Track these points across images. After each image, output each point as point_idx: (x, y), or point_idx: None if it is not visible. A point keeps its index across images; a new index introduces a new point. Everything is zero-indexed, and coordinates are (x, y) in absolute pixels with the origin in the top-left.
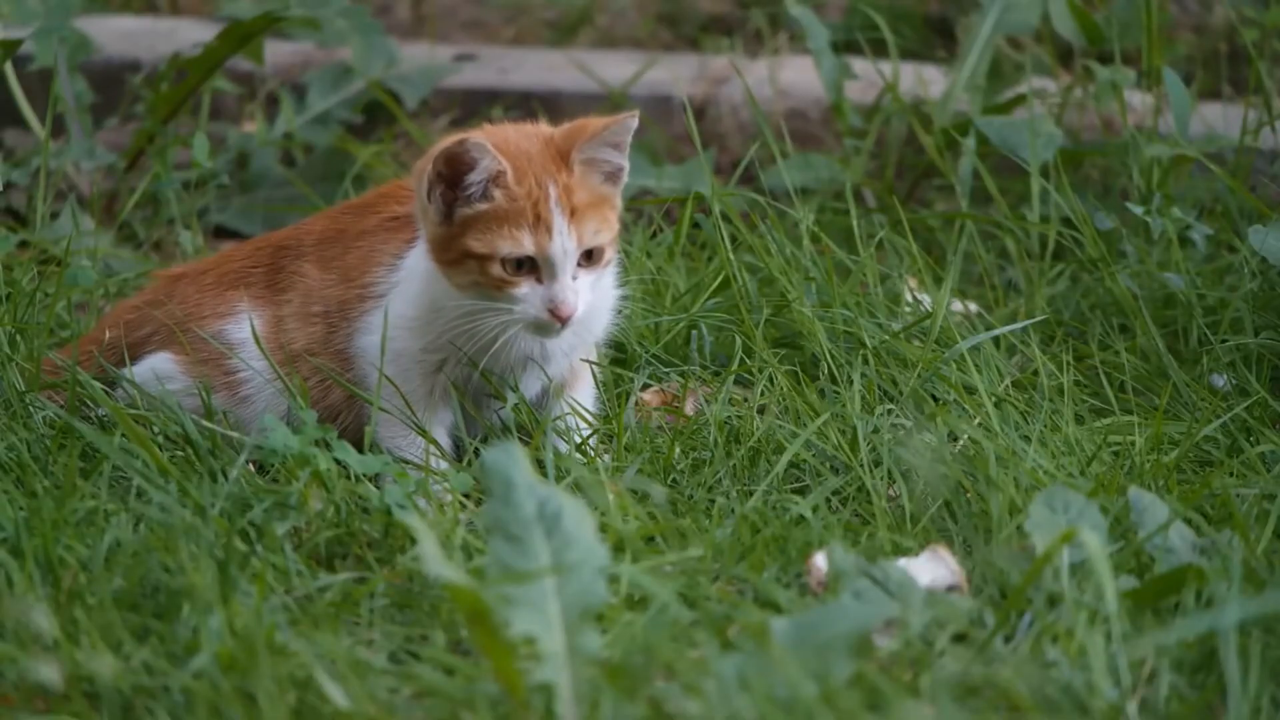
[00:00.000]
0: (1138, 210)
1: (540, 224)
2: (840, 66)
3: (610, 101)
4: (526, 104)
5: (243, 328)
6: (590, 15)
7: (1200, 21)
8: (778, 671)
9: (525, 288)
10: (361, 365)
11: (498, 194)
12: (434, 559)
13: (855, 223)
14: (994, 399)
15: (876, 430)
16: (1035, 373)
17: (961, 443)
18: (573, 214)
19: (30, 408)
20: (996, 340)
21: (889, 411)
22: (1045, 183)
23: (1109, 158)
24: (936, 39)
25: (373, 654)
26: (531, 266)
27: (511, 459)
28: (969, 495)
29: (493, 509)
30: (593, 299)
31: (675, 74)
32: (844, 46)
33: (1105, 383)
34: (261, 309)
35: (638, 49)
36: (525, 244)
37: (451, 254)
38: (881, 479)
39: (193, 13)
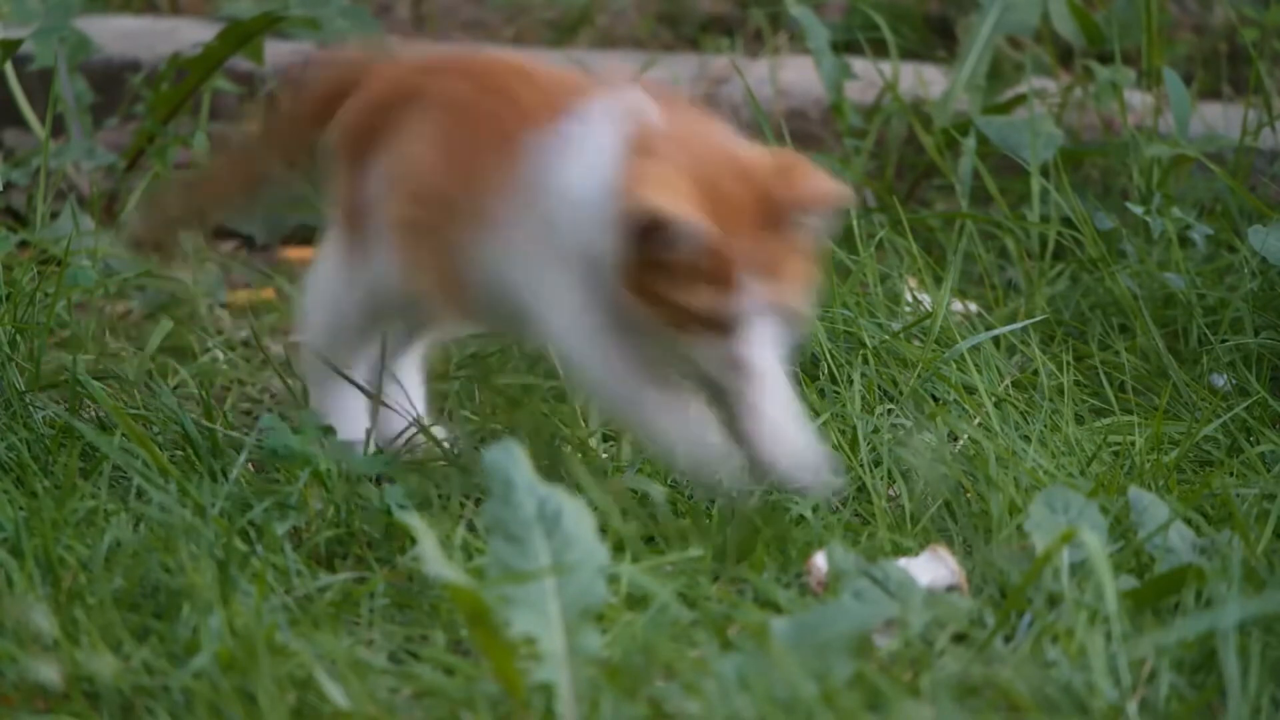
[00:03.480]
0: (1138, 210)
1: (736, 283)
2: (840, 66)
3: None
4: None
5: None
6: (590, 15)
7: (1200, 21)
8: (778, 671)
9: (710, 341)
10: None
11: (692, 254)
12: (434, 559)
13: (855, 222)
14: (994, 399)
15: (876, 430)
16: (1035, 373)
17: (961, 443)
18: (772, 274)
19: (30, 407)
20: (996, 340)
21: (889, 411)
22: (1045, 183)
23: (1109, 158)
24: (936, 39)
25: (373, 654)
26: (720, 320)
27: (511, 459)
28: (969, 495)
29: (493, 509)
30: (780, 350)
31: (675, 74)
32: (844, 46)
33: (1105, 383)
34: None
35: (638, 49)
36: (719, 303)
37: (641, 290)
38: (881, 479)
39: (193, 13)
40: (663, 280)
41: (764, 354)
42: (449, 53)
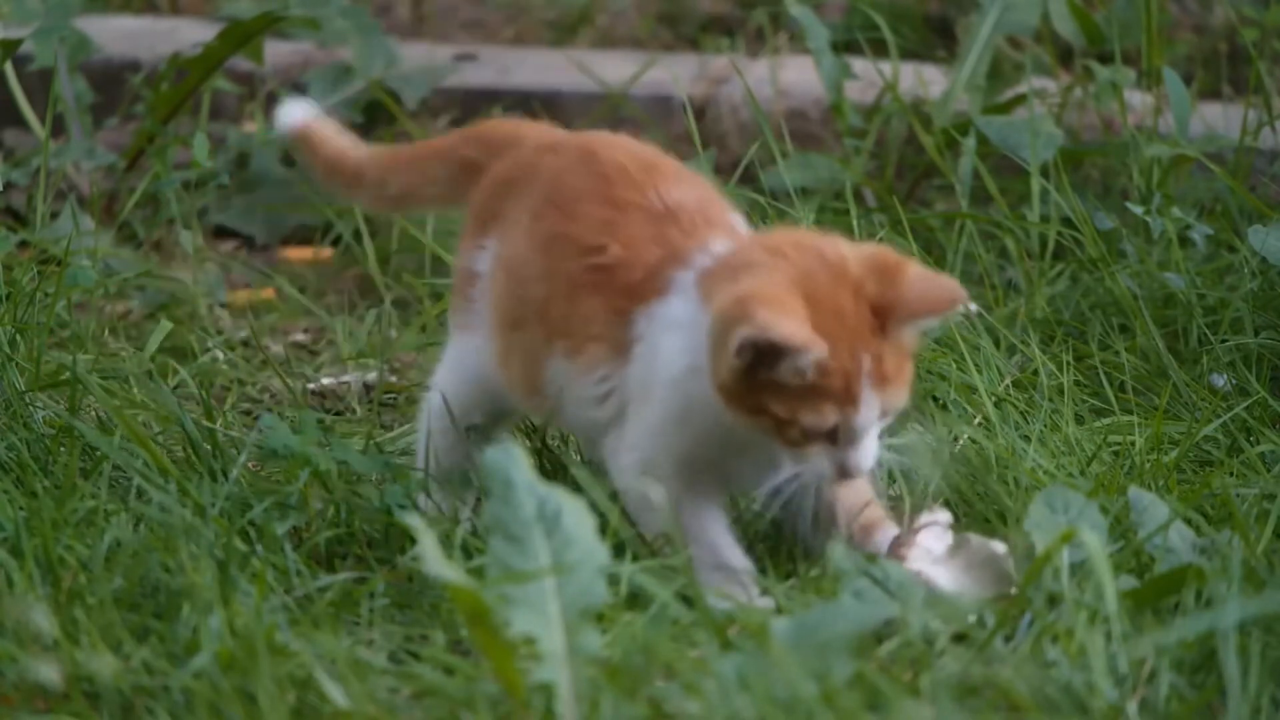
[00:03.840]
0: (1138, 210)
1: (849, 398)
2: (840, 66)
3: (610, 102)
4: (527, 104)
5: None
6: (590, 15)
7: (1200, 21)
8: (778, 671)
9: (818, 449)
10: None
11: (807, 374)
12: (434, 559)
13: (855, 222)
14: (994, 399)
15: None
16: (1035, 373)
17: (961, 442)
18: (882, 382)
19: (30, 407)
20: (996, 340)
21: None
22: (1045, 183)
23: (1109, 158)
24: (936, 39)
25: (373, 654)
26: (831, 432)
27: (511, 459)
28: (969, 495)
29: (493, 509)
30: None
31: (675, 74)
32: (844, 46)
33: (1105, 383)
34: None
35: (638, 49)
36: (830, 419)
37: (744, 404)
38: (881, 479)
39: (193, 13)
40: (776, 399)
41: (870, 459)
42: (571, 136)
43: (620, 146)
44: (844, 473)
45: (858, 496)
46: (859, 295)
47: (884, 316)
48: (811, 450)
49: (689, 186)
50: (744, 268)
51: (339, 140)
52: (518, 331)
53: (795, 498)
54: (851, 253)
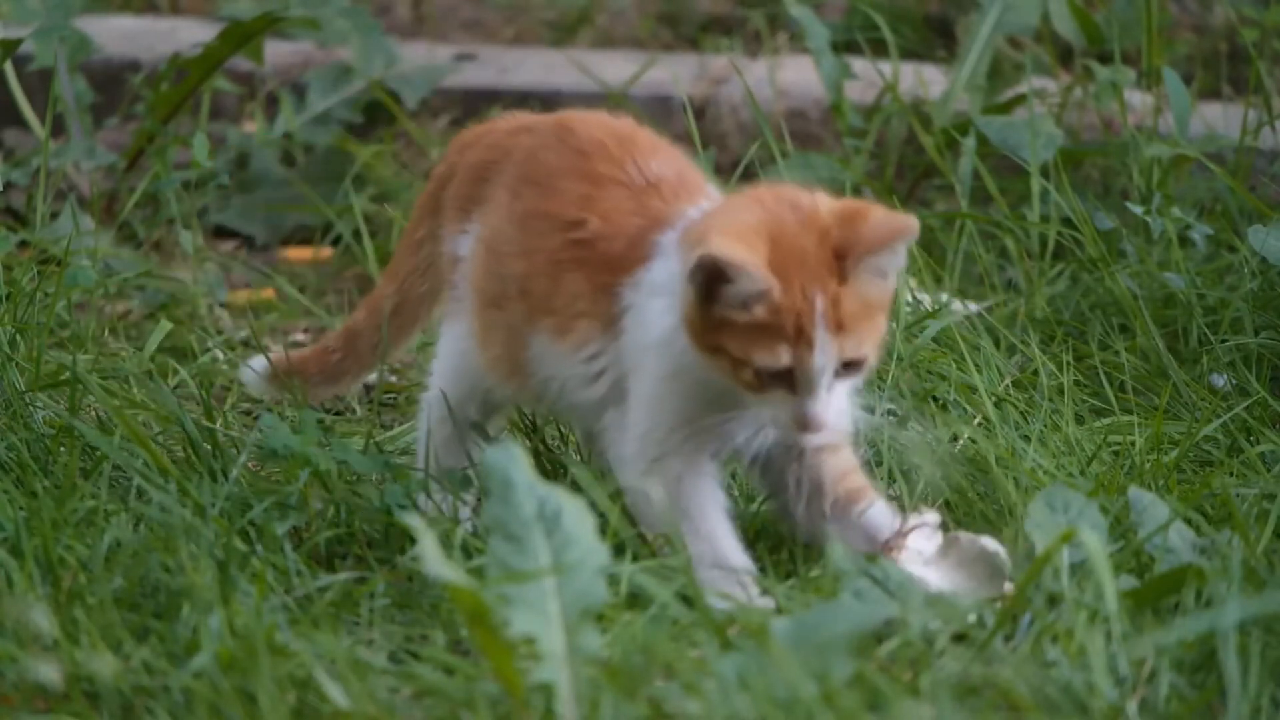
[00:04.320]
0: (1138, 210)
1: (801, 339)
2: (840, 66)
3: (610, 101)
4: (526, 104)
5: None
6: (590, 15)
7: (1200, 21)
8: (778, 671)
9: (776, 396)
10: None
11: (758, 309)
12: (434, 559)
13: None
14: (994, 399)
15: (878, 430)
16: (1035, 373)
17: (961, 442)
18: (838, 327)
19: (30, 407)
20: (996, 340)
21: (889, 412)
22: (1045, 183)
23: (1109, 158)
24: (936, 39)
25: (373, 654)
26: (786, 376)
27: (511, 458)
28: (969, 495)
29: (493, 509)
30: (844, 403)
31: (675, 74)
32: (844, 46)
33: (1105, 383)
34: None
35: (638, 49)
36: (783, 358)
37: (705, 342)
38: (881, 479)
39: (193, 13)
40: (732, 336)
41: (831, 413)
42: (545, 116)
43: (596, 122)
44: (803, 424)
45: (841, 466)
46: (824, 240)
47: (844, 257)
48: (771, 397)
49: (666, 158)
50: (719, 212)
51: (307, 351)
52: (498, 310)
53: (780, 465)
54: (825, 203)
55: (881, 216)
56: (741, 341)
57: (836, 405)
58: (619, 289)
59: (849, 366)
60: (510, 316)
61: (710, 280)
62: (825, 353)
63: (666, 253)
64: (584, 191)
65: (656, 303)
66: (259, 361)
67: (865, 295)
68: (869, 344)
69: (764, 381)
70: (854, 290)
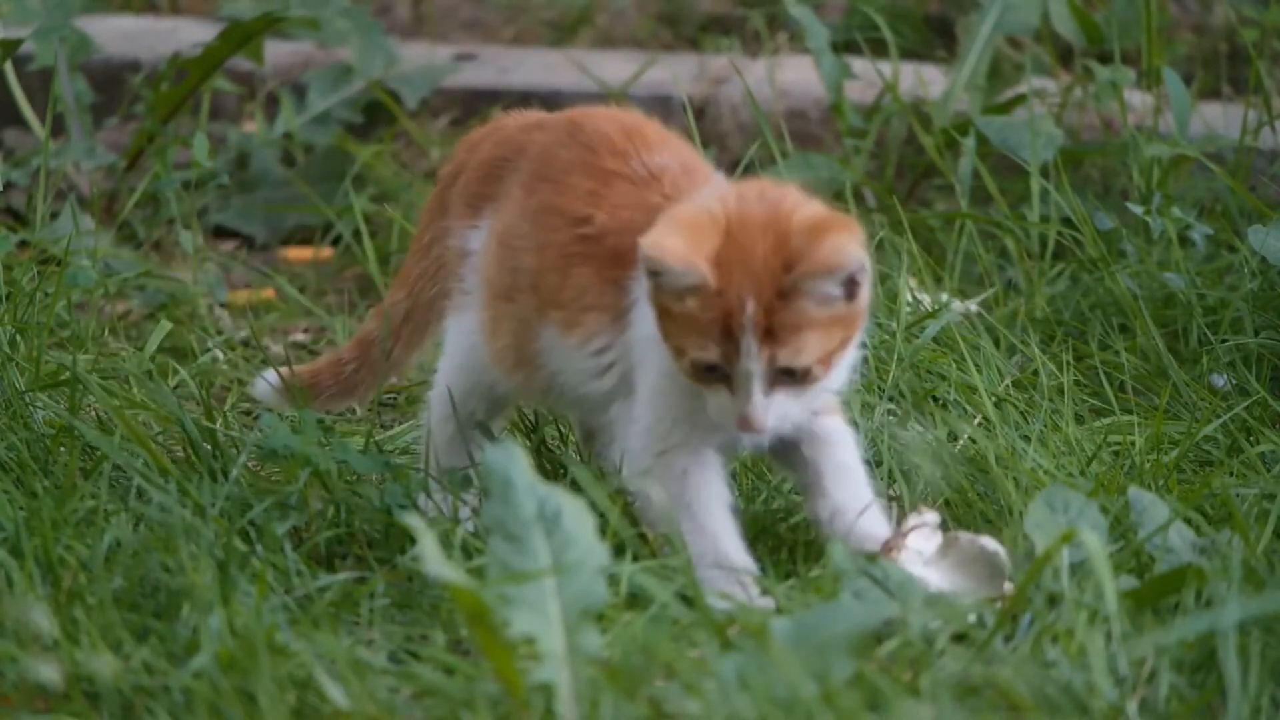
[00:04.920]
0: (1138, 210)
1: (729, 339)
2: (840, 66)
3: (610, 102)
4: (526, 104)
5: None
6: (590, 15)
7: (1200, 21)
8: (778, 671)
9: (717, 392)
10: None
11: (690, 301)
12: (434, 559)
13: None
14: (994, 399)
15: (878, 430)
16: (1035, 373)
17: (961, 442)
18: (768, 335)
19: (30, 407)
20: (996, 340)
21: (889, 412)
22: (1045, 183)
23: (1109, 158)
24: (936, 39)
25: (373, 654)
26: (724, 373)
27: (511, 458)
28: (969, 495)
29: (493, 509)
30: (797, 409)
31: (675, 74)
32: (844, 46)
33: (1105, 383)
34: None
35: (638, 49)
36: (710, 353)
37: (659, 329)
38: (882, 479)
39: (193, 13)
40: (671, 324)
41: (771, 414)
42: (556, 113)
43: (604, 117)
44: (740, 422)
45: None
46: (780, 246)
47: (789, 270)
48: (712, 391)
49: (672, 151)
50: (687, 204)
51: (320, 363)
52: (509, 302)
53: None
54: (805, 210)
55: (834, 244)
56: (678, 330)
57: (779, 410)
58: (626, 282)
59: (788, 374)
60: (521, 309)
61: (651, 269)
62: (751, 357)
63: None
64: (591, 187)
65: None
66: (272, 374)
67: (807, 310)
68: (809, 356)
69: (702, 375)
70: (793, 303)
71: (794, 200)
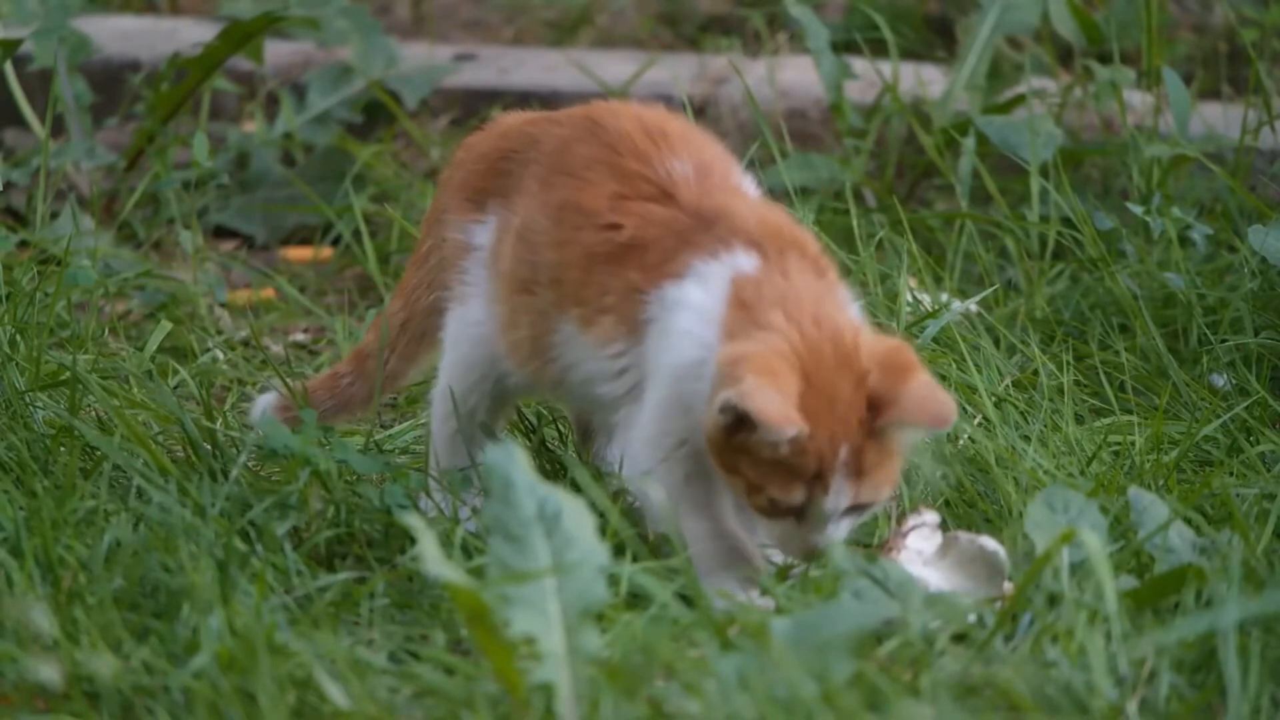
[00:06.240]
0: (1138, 210)
1: (819, 482)
2: (840, 66)
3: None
4: (526, 104)
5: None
6: (590, 15)
7: (1200, 21)
8: (778, 671)
9: (784, 524)
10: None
11: (783, 449)
12: (434, 559)
13: (855, 222)
14: (994, 399)
15: None
16: (1035, 373)
17: (961, 442)
18: (858, 474)
19: (30, 407)
20: (996, 340)
21: None
22: (1045, 182)
23: (1109, 158)
24: (936, 39)
25: (373, 654)
26: (798, 509)
27: (511, 458)
28: (969, 495)
29: (493, 509)
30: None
31: (675, 74)
32: (844, 46)
33: (1105, 383)
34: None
35: (638, 49)
36: (798, 497)
37: (723, 459)
38: None
39: (193, 13)
40: (750, 464)
41: (836, 543)
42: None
43: (625, 114)
44: (806, 554)
45: None
46: (859, 385)
47: (877, 413)
48: (779, 521)
49: (697, 151)
50: (757, 340)
51: (318, 379)
52: (527, 295)
53: None
54: (865, 341)
55: (925, 390)
56: (760, 472)
57: (840, 535)
58: (647, 299)
59: (860, 508)
60: (540, 302)
61: (740, 420)
62: (840, 497)
63: (702, 279)
64: (616, 189)
65: (680, 322)
66: (267, 398)
67: (890, 447)
68: (885, 488)
69: (776, 510)
70: (880, 443)
71: (850, 328)
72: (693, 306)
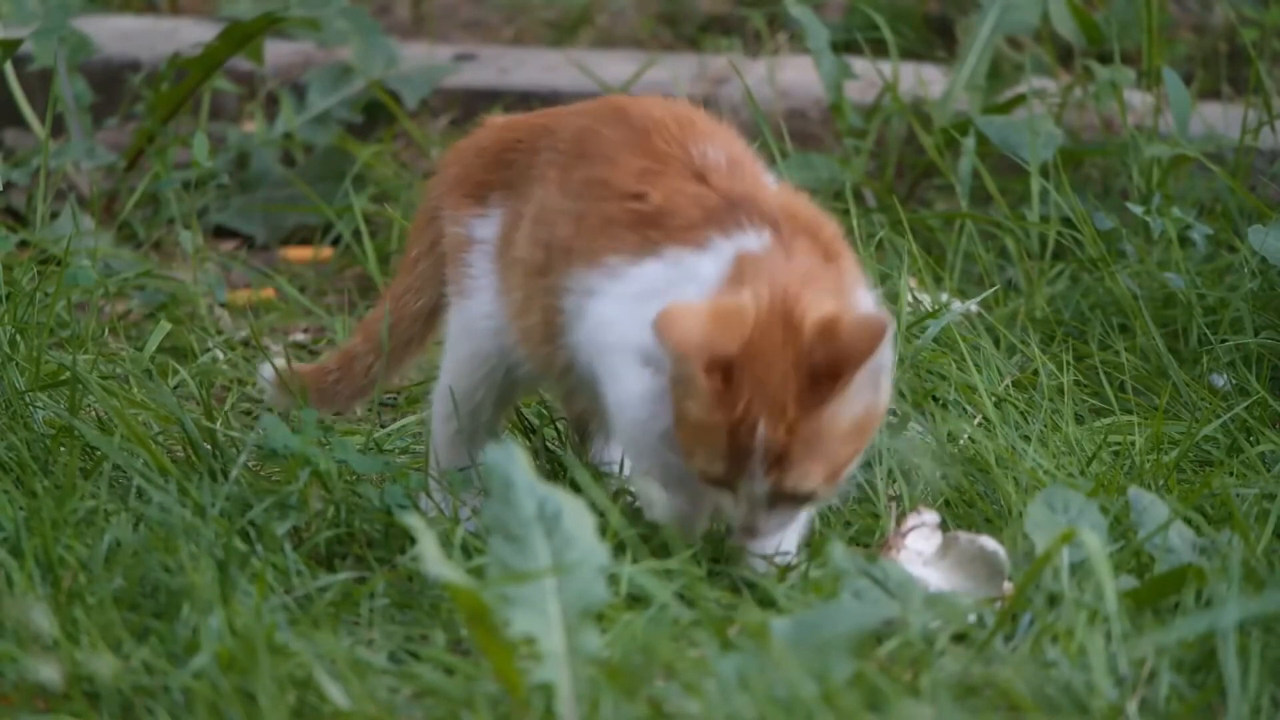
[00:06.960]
0: (1138, 210)
1: (735, 457)
2: (840, 66)
3: None
4: (526, 104)
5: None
6: (590, 15)
7: (1200, 21)
8: (778, 671)
9: (723, 496)
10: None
11: (698, 409)
12: (434, 559)
13: (855, 222)
14: (994, 399)
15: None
16: (1035, 373)
17: (961, 442)
18: (777, 460)
19: (30, 407)
20: (996, 340)
21: (889, 412)
22: (1045, 182)
23: (1109, 158)
24: (936, 39)
25: (373, 654)
26: (728, 484)
27: (511, 458)
28: (969, 495)
29: (493, 509)
30: (795, 518)
31: (675, 74)
32: (844, 46)
33: (1105, 383)
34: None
35: (638, 49)
36: (716, 468)
37: (675, 420)
38: (882, 479)
39: (193, 13)
40: (682, 427)
41: (771, 524)
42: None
43: (654, 103)
44: (743, 530)
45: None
46: (799, 366)
47: (814, 375)
48: (718, 491)
49: (727, 144)
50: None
51: (307, 368)
52: (541, 277)
53: None
54: (817, 310)
55: (854, 324)
56: (688, 435)
57: (779, 520)
58: (663, 251)
59: (792, 497)
60: (552, 280)
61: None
62: (756, 479)
63: (718, 255)
64: (646, 165)
65: (689, 294)
66: (268, 369)
67: (830, 422)
68: (815, 478)
69: (706, 478)
70: (818, 429)
71: (819, 305)
72: (699, 279)
